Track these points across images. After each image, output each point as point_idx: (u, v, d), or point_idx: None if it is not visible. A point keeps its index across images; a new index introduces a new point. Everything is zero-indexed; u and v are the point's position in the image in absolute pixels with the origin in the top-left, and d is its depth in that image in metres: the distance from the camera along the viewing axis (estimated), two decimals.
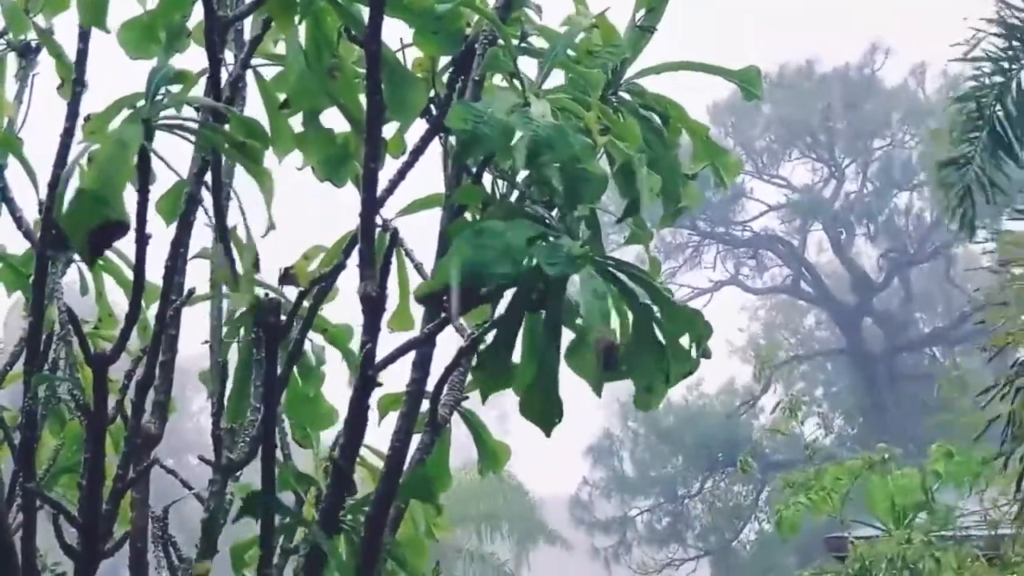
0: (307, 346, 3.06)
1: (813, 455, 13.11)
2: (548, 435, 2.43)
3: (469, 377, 2.90)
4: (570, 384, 2.48)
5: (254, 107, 2.92)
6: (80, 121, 2.93)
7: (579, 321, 2.36)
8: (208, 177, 2.76)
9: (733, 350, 42.34)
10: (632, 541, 41.05)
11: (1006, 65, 10.95)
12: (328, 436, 3.12)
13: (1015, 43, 10.91)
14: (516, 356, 2.45)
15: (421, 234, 2.80)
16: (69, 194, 2.36)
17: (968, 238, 11.40)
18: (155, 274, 2.73)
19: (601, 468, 42.03)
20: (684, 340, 2.43)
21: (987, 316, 9.61)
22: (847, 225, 42.43)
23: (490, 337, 2.47)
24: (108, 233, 2.33)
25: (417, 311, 2.87)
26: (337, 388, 3.04)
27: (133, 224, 2.44)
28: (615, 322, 2.39)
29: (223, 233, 2.66)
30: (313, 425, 3.16)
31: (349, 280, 2.68)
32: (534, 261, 2.30)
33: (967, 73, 11.44)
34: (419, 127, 2.84)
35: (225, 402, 3.02)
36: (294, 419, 3.15)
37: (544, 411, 2.42)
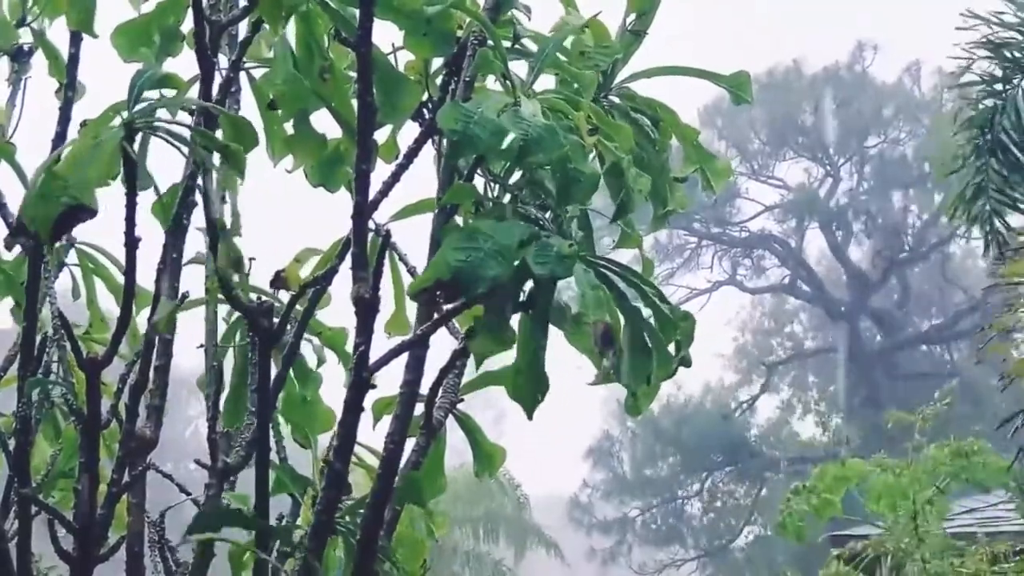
0: (305, 349, 3.07)
1: (841, 443, 12.95)
2: (530, 416, 2.45)
3: (464, 379, 2.90)
4: (569, 387, 2.50)
5: (250, 110, 2.93)
6: (72, 126, 2.94)
7: (575, 309, 2.38)
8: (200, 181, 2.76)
9: (730, 350, 42.43)
10: (632, 543, 41.04)
11: (999, 87, 10.88)
12: (326, 439, 3.12)
13: (1006, 64, 10.84)
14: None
15: (415, 238, 2.81)
16: None
17: (992, 259, 11.27)
18: (152, 279, 2.74)
19: (601, 470, 42.04)
20: (671, 345, 2.45)
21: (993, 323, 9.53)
22: (843, 224, 42.43)
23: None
24: (72, 216, 2.33)
25: (412, 315, 2.87)
26: (335, 391, 3.04)
27: (122, 228, 2.45)
28: None
29: (214, 238, 2.66)
30: (311, 428, 3.17)
31: (343, 285, 2.69)
32: (523, 259, 2.32)
33: (962, 92, 11.33)
34: (414, 131, 2.85)
35: (221, 406, 3.02)
36: (292, 422, 3.16)
37: (529, 389, 2.44)
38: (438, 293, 2.36)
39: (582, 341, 2.39)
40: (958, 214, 11.07)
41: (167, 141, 2.52)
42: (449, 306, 2.52)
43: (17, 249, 3.12)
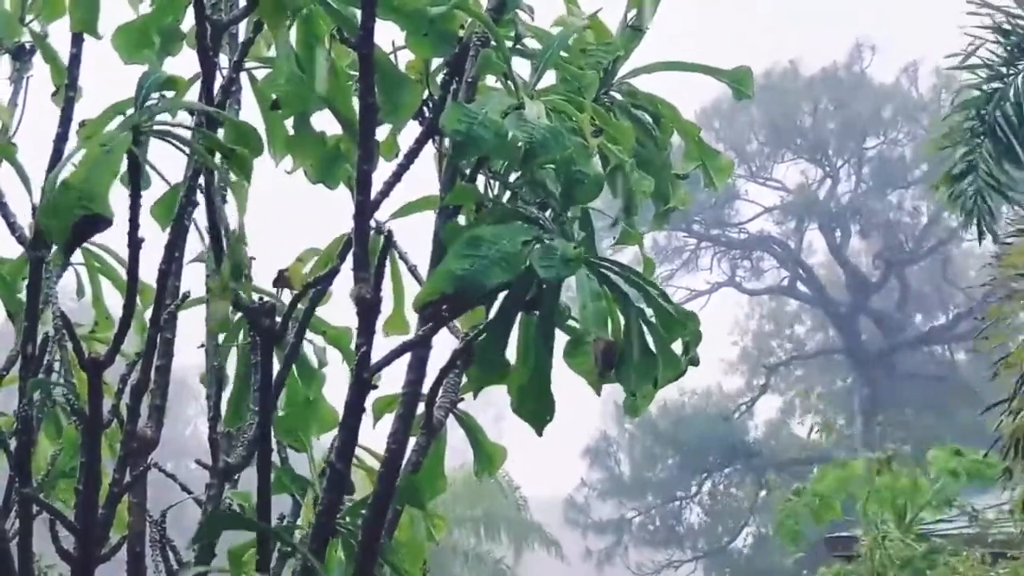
0: (308, 348, 3.06)
1: (836, 443, 13.01)
2: (540, 434, 2.44)
3: (464, 379, 2.90)
4: (567, 386, 2.49)
5: (249, 110, 2.93)
6: (74, 126, 2.94)
7: (575, 323, 2.37)
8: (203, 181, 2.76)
9: (729, 352, 42.44)
10: (628, 543, 41.03)
11: (1004, 70, 11.00)
12: (327, 439, 3.11)
13: (1012, 48, 10.95)
14: (511, 356, 2.46)
15: (415, 237, 2.81)
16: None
17: (979, 241, 11.36)
18: (153, 278, 2.74)
19: (598, 470, 42.06)
20: (675, 345, 2.44)
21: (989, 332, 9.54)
22: (843, 225, 42.46)
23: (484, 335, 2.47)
24: (89, 226, 2.33)
25: (412, 314, 2.87)
26: (339, 390, 3.04)
27: (126, 228, 2.45)
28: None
29: (216, 238, 2.66)
30: (315, 428, 3.16)
31: (344, 284, 2.68)
32: (528, 263, 2.31)
33: (963, 77, 11.45)
34: (415, 130, 2.85)
35: (223, 406, 3.02)
36: (290, 422, 3.15)
37: (537, 410, 2.43)
38: (443, 307, 2.35)
39: (580, 362, 2.37)
40: (943, 191, 11.16)
41: (172, 145, 2.52)
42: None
43: (19, 248, 3.12)
